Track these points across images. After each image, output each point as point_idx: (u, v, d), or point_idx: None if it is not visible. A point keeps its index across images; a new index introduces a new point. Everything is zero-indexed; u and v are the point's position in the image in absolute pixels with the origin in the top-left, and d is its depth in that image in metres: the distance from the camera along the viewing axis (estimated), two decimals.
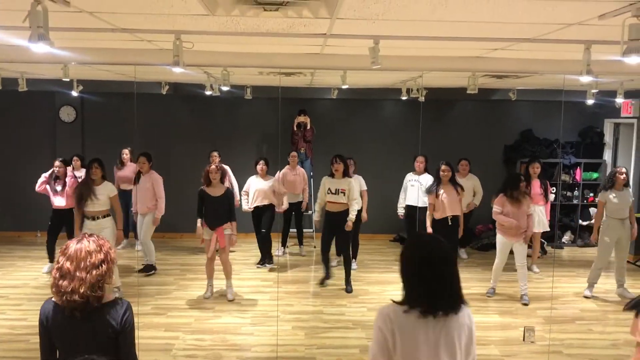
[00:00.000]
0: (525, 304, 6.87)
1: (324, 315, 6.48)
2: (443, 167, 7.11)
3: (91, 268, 2.52)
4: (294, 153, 8.76)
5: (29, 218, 9.63)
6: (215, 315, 6.42)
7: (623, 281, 7.30)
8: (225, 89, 7.22)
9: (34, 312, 6.27)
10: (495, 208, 6.85)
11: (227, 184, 7.73)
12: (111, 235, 6.64)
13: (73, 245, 2.57)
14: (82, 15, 3.36)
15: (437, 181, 7.19)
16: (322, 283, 7.43)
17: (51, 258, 7.67)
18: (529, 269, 8.15)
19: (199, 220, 6.82)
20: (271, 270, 8.08)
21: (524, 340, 5.67)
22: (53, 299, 2.59)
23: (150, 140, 9.07)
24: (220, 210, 6.78)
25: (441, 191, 7.08)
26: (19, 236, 9.80)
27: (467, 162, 8.59)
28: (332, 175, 7.25)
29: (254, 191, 8.12)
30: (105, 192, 6.69)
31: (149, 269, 7.84)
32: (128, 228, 8.73)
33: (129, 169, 8.69)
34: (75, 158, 8.47)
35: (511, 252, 6.95)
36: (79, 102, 9.68)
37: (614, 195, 7.04)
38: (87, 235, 2.63)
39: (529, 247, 8.38)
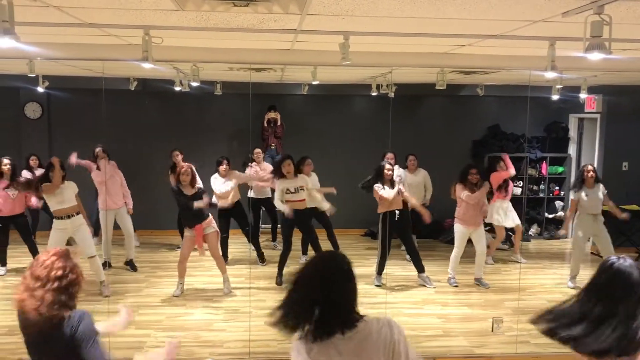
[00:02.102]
0: (487, 287, 7.24)
1: None
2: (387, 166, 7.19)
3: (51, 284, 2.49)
4: (258, 150, 8.75)
5: None
6: (187, 312, 6.39)
7: None
8: (195, 84, 7.19)
9: None
10: (458, 193, 7.17)
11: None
12: (87, 230, 6.67)
13: (36, 261, 2.54)
14: (49, 10, 3.32)
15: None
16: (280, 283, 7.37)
17: (3, 262, 7.59)
18: (515, 260, 8.45)
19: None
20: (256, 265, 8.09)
21: (492, 331, 5.79)
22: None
23: (119, 137, 8.94)
24: (197, 208, 6.78)
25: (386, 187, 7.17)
26: None
27: (415, 157, 8.67)
28: (284, 177, 7.24)
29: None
30: (71, 190, 6.62)
31: (133, 266, 7.87)
32: (98, 226, 8.52)
33: (91, 164, 8.48)
34: (33, 157, 8.32)
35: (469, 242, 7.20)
36: (45, 99, 9.50)
37: (585, 193, 7.22)
38: (51, 252, 2.58)
39: (510, 241, 8.61)
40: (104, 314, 5.18)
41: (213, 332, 5.86)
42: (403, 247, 8.07)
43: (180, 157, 8.48)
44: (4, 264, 7.58)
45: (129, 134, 9.42)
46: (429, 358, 5.23)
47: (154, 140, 9.64)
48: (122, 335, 5.60)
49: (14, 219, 7.40)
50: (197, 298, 6.82)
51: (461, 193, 7.16)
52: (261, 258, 8.27)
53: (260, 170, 8.57)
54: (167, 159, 8.74)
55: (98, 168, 7.67)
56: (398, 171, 8.16)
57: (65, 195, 6.54)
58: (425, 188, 8.66)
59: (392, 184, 7.18)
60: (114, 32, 4.20)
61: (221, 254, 7.80)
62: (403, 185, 7.52)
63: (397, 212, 7.18)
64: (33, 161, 8.31)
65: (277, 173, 7.34)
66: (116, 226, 7.82)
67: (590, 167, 7.31)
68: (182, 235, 8.66)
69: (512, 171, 7.97)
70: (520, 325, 5.87)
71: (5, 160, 7.34)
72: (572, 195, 7.49)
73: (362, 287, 7.46)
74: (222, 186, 7.89)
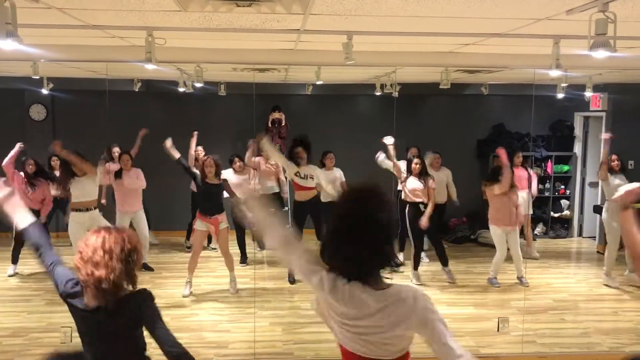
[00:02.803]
0: (527, 286, 7.22)
1: (301, 310, 6.49)
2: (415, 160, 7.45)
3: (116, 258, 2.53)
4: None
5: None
6: (192, 313, 6.40)
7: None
8: (198, 85, 7.19)
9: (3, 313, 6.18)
10: (489, 190, 7.20)
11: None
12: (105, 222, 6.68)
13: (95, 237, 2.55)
14: (52, 12, 3.32)
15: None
16: (292, 281, 7.40)
17: (14, 261, 7.60)
18: (530, 254, 8.41)
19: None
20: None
21: (498, 330, 5.77)
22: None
23: (123, 139, 8.94)
24: (217, 199, 6.86)
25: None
26: None
27: (440, 156, 8.70)
28: (296, 163, 7.38)
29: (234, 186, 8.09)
30: (92, 182, 6.72)
31: (147, 267, 7.95)
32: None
33: (115, 166, 8.52)
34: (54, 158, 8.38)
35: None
36: (50, 100, 9.52)
37: (616, 178, 7.26)
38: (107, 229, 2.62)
39: (521, 234, 8.57)
40: None
41: (218, 332, 5.86)
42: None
43: (202, 154, 8.53)
44: (15, 261, 7.58)
45: (133, 135, 9.40)
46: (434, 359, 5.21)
47: (158, 141, 9.61)
48: None
49: None
50: (202, 299, 6.82)
51: (493, 187, 7.14)
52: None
53: (265, 164, 8.56)
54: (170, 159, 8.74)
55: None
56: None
57: (87, 187, 6.62)
58: (448, 186, 8.67)
59: (419, 177, 7.30)
60: (117, 33, 4.20)
61: (240, 252, 7.89)
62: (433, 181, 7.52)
63: (421, 205, 7.27)
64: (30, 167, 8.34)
65: (289, 155, 7.47)
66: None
67: (615, 156, 7.37)
68: (188, 235, 8.70)
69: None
70: (527, 324, 5.86)
71: (30, 160, 7.60)
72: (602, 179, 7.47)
73: None
74: (238, 180, 7.98)
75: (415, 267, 7.41)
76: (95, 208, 6.72)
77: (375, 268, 2.12)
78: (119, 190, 7.69)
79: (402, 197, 7.46)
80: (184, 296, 6.86)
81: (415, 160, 7.35)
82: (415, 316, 2.08)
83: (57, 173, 7.59)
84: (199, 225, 6.89)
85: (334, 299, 2.15)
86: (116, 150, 8.52)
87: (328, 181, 7.70)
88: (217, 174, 6.94)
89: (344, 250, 2.09)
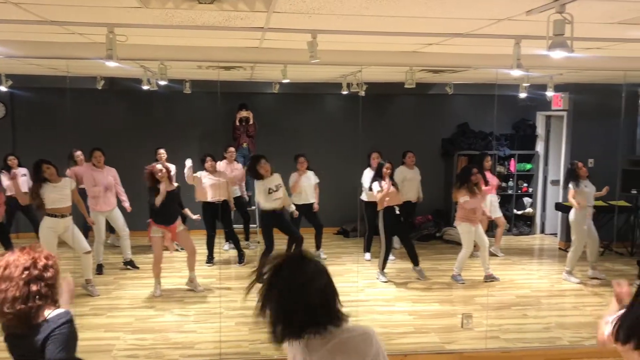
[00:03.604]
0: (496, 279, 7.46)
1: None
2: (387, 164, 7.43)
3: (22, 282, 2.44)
4: (232, 148, 8.72)
5: None
6: (157, 314, 6.31)
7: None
8: (163, 83, 7.09)
9: None
10: (461, 199, 7.26)
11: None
12: (76, 227, 6.63)
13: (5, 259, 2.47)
14: (7, 6, 3.23)
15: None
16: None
17: None
18: (494, 253, 8.58)
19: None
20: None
21: (462, 327, 5.85)
22: None
23: (86, 137, 8.78)
24: (174, 206, 6.74)
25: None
26: None
27: (413, 154, 8.86)
28: (261, 178, 7.20)
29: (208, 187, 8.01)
30: (68, 188, 6.58)
31: (133, 264, 7.89)
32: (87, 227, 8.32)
33: (84, 169, 8.30)
34: (11, 157, 8.16)
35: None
36: (9, 98, 9.28)
37: (585, 185, 7.39)
38: (20, 249, 2.53)
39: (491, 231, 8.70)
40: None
41: (183, 333, 5.79)
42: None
43: (164, 156, 8.45)
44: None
45: (96, 133, 9.25)
46: (400, 355, 5.26)
47: (122, 140, 9.49)
48: (91, 339, 5.53)
49: None
50: (167, 300, 6.74)
51: (461, 198, 7.27)
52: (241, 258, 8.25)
53: (230, 169, 8.52)
54: (136, 158, 8.62)
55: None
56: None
57: (62, 193, 6.50)
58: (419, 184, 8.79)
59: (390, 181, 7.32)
60: (77, 29, 4.12)
61: (208, 252, 7.86)
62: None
63: (396, 207, 7.30)
64: (11, 161, 8.12)
65: (253, 173, 7.26)
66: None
67: (581, 164, 7.49)
68: None
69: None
70: (490, 320, 5.95)
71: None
72: (572, 190, 7.49)
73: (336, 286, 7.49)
74: (211, 181, 7.93)
75: (383, 268, 7.45)
76: (70, 214, 6.59)
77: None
78: (91, 188, 7.55)
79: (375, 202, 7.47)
80: (155, 296, 6.80)
81: (387, 165, 7.37)
82: None
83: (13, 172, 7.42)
84: (155, 231, 6.71)
85: None
86: (78, 154, 8.34)
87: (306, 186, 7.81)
88: (170, 180, 6.82)
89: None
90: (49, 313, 2.51)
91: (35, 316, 2.47)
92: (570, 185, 7.38)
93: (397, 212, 7.31)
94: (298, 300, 1.99)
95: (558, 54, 3.11)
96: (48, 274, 2.52)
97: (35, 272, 2.48)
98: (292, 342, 2.07)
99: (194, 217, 7.24)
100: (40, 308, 2.48)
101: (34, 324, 2.46)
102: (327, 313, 2.02)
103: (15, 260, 2.48)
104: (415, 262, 7.55)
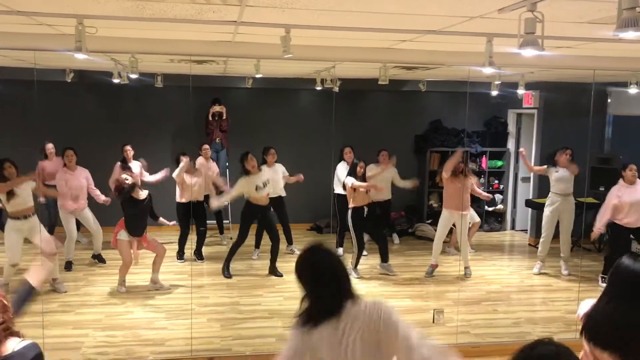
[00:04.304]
0: (469, 276, 7.59)
1: (240, 306, 6.44)
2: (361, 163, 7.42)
3: None
4: (206, 146, 8.64)
5: None
6: (127, 311, 6.23)
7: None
8: (134, 76, 6.97)
9: None
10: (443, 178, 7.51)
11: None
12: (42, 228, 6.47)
13: None
14: None
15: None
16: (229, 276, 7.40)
17: None
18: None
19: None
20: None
21: (433, 322, 5.89)
22: None
23: (54, 132, 8.60)
24: (145, 217, 6.67)
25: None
26: None
27: (387, 153, 8.84)
28: (248, 174, 7.23)
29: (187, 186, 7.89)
30: (29, 188, 6.44)
31: (101, 258, 7.85)
32: (56, 223, 8.13)
33: (54, 163, 8.12)
34: None
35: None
36: None
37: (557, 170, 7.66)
38: None
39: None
40: (38, 314, 5.00)
41: (154, 330, 5.74)
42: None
43: (131, 153, 8.32)
44: None
45: (65, 127, 9.07)
46: None
47: (92, 134, 9.33)
48: (59, 336, 5.44)
49: None
50: (137, 296, 6.66)
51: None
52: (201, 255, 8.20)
53: (207, 167, 8.45)
54: (107, 154, 8.49)
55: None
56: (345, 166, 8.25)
57: (23, 195, 6.36)
58: (394, 182, 8.78)
59: (363, 179, 7.29)
60: (45, 20, 4.02)
61: (179, 249, 8.04)
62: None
63: (365, 208, 7.32)
64: None
65: (242, 169, 7.30)
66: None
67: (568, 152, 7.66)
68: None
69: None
70: (461, 315, 6.01)
71: None
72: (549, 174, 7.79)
73: None
74: (190, 181, 7.86)
75: (356, 266, 7.47)
76: (33, 214, 6.47)
77: None
78: (63, 189, 7.39)
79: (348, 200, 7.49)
80: (119, 291, 6.73)
81: (361, 164, 7.37)
82: None
83: None
84: (123, 235, 6.59)
85: None
86: (50, 147, 8.17)
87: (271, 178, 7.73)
88: (141, 187, 6.76)
89: None
90: (15, 345, 2.36)
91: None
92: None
93: (365, 213, 7.32)
94: (330, 281, 2.39)
95: (529, 52, 3.14)
96: (6, 302, 2.42)
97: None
98: (321, 324, 2.33)
99: (170, 223, 7.11)
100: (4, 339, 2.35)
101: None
102: (349, 290, 2.41)
103: None
104: (384, 258, 7.60)
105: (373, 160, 8.58)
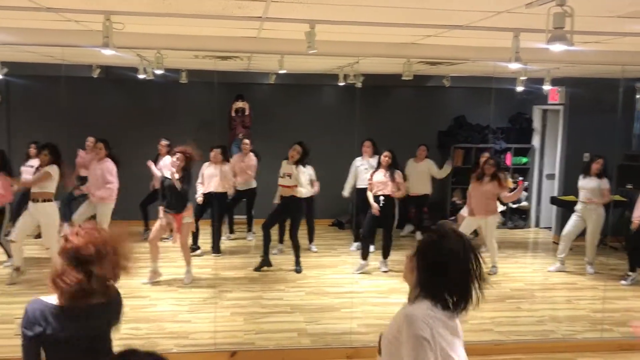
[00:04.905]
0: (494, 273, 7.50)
1: (262, 300, 6.48)
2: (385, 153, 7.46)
3: (105, 259, 2.43)
4: (247, 141, 8.70)
5: None
6: (151, 304, 6.31)
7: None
8: (159, 72, 7.03)
9: None
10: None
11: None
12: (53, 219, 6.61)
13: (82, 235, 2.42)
14: None
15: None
16: (259, 269, 7.44)
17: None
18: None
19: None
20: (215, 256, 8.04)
21: None
22: (45, 297, 2.42)
23: (80, 125, 8.73)
24: (178, 196, 6.75)
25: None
26: None
27: (426, 147, 9.13)
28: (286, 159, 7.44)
29: (206, 177, 8.05)
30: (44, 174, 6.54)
31: None
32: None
33: (89, 157, 8.26)
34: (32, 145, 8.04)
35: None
36: (4, 85, 9.20)
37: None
38: (83, 225, 2.51)
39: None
40: None
41: (178, 323, 5.79)
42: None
43: (165, 148, 8.45)
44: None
45: (91, 122, 9.20)
46: None
47: (117, 129, 9.44)
48: None
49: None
50: (161, 289, 6.73)
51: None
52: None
53: (243, 162, 8.52)
54: (131, 147, 8.60)
55: None
56: (376, 160, 8.25)
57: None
58: (431, 174, 8.97)
59: (388, 169, 7.36)
60: (73, 17, 4.08)
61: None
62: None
63: (382, 197, 7.32)
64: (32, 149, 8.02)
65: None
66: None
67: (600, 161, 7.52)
68: (146, 225, 8.56)
69: None
70: (484, 313, 5.96)
71: None
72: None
73: (329, 277, 7.51)
74: (212, 171, 7.98)
75: (365, 257, 7.50)
76: (43, 201, 6.58)
77: None
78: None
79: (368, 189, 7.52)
80: (148, 283, 6.81)
81: (385, 153, 7.38)
82: None
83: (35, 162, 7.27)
84: (160, 217, 6.79)
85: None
86: (91, 140, 8.30)
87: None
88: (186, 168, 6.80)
89: None
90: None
91: None
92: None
93: (381, 203, 7.31)
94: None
95: (557, 47, 3.09)
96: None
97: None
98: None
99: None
100: None
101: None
102: None
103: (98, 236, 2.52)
104: (386, 254, 7.56)
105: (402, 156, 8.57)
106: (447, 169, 9.06)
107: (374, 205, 7.31)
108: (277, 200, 7.68)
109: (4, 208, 7.06)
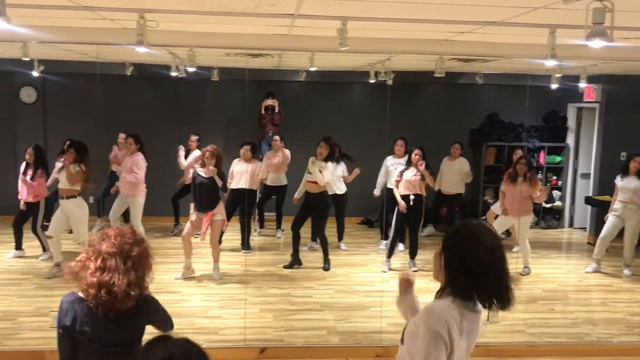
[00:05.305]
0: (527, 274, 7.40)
1: (291, 297, 6.49)
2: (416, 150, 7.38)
3: (135, 262, 2.47)
4: (277, 137, 8.73)
5: None
6: (183, 299, 6.37)
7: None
8: (191, 70, 7.10)
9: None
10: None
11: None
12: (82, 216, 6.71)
13: (112, 237, 2.47)
14: None
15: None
16: (290, 267, 7.46)
17: (18, 245, 7.56)
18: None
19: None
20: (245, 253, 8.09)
21: (487, 320, 5.77)
22: (78, 293, 2.47)
23: (114, 122, 8.86)
24: (209, 193, 6.81)
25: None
26: None
27: (460, 146, 9.11)
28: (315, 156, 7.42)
29: (236, 174, 8.11)
30: (65, 172, 6.64)
31: None
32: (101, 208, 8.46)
33: (122, 152, 8.44)
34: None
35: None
36: (41, 83, 9.40)
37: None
38: (116, 227, 2.56)
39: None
40: None
41: (208, 319, 5.85)
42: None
43: (195, 144, 8.53)
44: (19, 247, 7.59)
45: (124, 119, 9.34)
46: None
47: (150, 125, 9.56)
48: None
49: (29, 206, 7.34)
50: (193, 285, 6.80)
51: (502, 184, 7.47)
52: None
53: (275, 158, 8.56)
54: (163, 144, 8.71)
55: None
56: (393, 160, 8.23)
57: (62, 176, 6.61)
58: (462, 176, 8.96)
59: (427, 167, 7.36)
60: (108, 15, 4.13)
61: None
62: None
63: (412, 196, 7.27)
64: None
65: None
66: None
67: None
68: (177, 219, 8.67)
69: None
70: (516, 314, 5.87)
71: (30, 150, 7.31)
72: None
73: (358, 276, 7.48)
74: (242, 168, 8.04)
75: (389, 255, 7.50)
76: (68, 198, 6.69)
77: None
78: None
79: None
80: (180, 278, 6.92)
81: (416, 151, 7.32)
82: None
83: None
84: (191, 215, 6.88)
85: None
86: (122, 136, 8.45)
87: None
88: (216, 165, 6.85)
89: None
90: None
91: None
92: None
93: (411, 202, 7.25)
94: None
95: (597, 44, 3.02)
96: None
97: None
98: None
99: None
100: None
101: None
102: None
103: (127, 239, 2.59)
104: (412, 255, 7.50)
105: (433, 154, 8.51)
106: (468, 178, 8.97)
107: (401, 202, 7.26)
108: (297, 196, 7.74)
109: (39, 202, 7.28)
